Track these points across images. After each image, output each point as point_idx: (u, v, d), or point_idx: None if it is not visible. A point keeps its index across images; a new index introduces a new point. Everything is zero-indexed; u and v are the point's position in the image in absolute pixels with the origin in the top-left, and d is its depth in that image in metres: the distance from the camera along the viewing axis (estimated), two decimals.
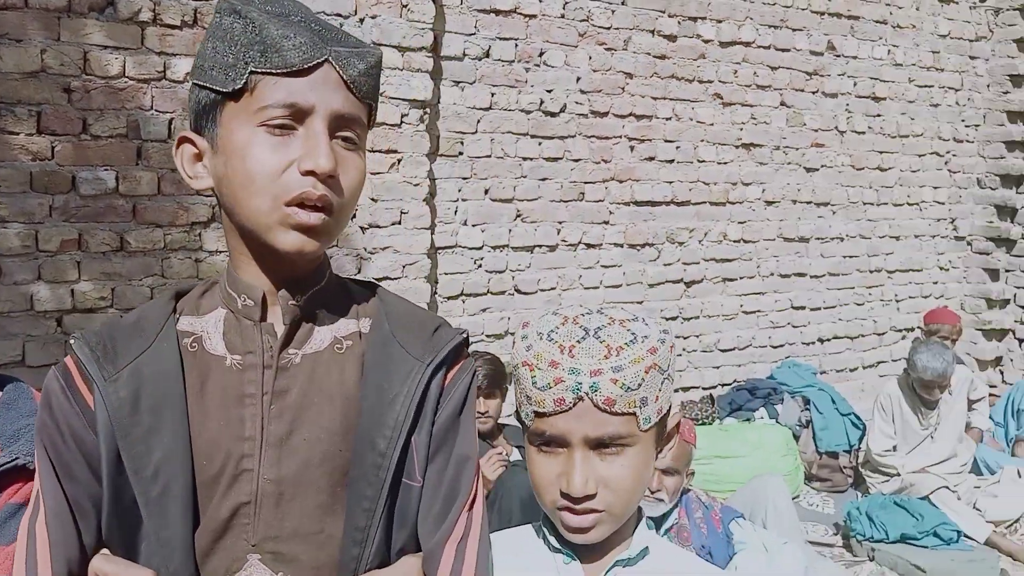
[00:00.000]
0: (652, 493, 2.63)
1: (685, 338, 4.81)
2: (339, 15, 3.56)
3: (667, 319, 4.72)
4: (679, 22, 4.49)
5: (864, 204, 5.42)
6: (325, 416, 0.97)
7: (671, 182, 4.62)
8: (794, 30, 4.91)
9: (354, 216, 3.63)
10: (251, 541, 0.96)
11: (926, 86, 5.55)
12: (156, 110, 3.26)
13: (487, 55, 3.99)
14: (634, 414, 1.01)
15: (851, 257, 5.42)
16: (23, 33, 3.00)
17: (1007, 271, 5.89)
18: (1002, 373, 5.97)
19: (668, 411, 1.08)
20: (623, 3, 4.31)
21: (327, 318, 1.01)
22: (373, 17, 3.57)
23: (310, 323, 1.00)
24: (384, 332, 1.01)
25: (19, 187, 3.07)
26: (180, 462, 0.93)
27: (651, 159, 4.54)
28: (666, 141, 4.57)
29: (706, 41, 4.61)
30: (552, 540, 1.09)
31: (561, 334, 1.03)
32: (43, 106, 3.07)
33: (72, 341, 0.96)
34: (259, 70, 0.90)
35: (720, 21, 4.63)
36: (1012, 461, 4.62)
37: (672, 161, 4.61)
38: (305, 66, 0.90)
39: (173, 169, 3.29)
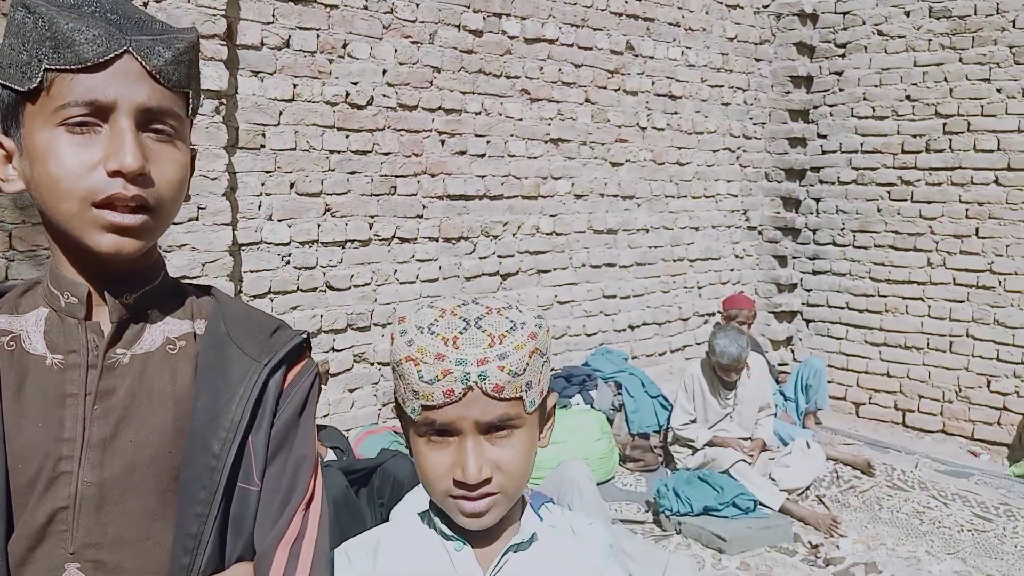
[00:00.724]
0: None
1: None
2: None
3: None
4: (484, 18, 4.54)
5: (666, 197, 5.71)
6: (155, 417, 0.94)
7: (483, 176, 4.66)
8: (595, 29, 5.09)
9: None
10: (69, 549, 0.91)
11: (717, 86, 5.92)
12: None
13: (287, 45, 3.85)
14: (520, 398, 1.02)
15: (656, 247, 5.69)
16: None
17: (794, 258, 6.40)
18: (792, 352, 6.48)
19: (548, 392, 1.10)
20: None
21: (159, 318, 0.99)
22: (158, 1, 3.36)
23: (141, 322, 0.97)
24: (220, 333, 0.99)
25: None
26: None
27: (462, 153, 4.56)
28: (476, 135, 4.60)
29: (511, 37, 4.69)
30: (444, 528, 1.08)
31: (442, 326, 1.02)
32: None
33: None
34: (53, 67, 0.86)
35: (524, 18, 4.72)
36: (802, 433, 5.02)
37: (483, 156, 4.65)
38: (101, 59, 0.86)
39: None
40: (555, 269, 5.11)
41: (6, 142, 0.93)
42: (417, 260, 4.46)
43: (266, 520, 0.96)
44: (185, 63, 0.92)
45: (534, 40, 4.79)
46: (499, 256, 4.81)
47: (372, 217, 4.25)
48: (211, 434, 0.94)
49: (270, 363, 0.98)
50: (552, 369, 4.98)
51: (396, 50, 4.22)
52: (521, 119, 4.79)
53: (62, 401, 0.92)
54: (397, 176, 4.32)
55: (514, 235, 4.87)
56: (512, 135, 4.77)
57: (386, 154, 4.26)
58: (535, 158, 4.90)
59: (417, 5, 4.26)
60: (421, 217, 4.44)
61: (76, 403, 0.92)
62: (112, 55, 0.87)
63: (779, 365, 6.21)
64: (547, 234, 5.03)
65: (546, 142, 4.94)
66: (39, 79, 0.86)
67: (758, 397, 4.73)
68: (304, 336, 1.03)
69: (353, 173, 4.15)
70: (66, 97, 0.86)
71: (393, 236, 4.34)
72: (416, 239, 4.44)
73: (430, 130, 4.42)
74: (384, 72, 4.19)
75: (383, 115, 4.22)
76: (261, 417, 0.97)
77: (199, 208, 3.54)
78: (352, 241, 4.19)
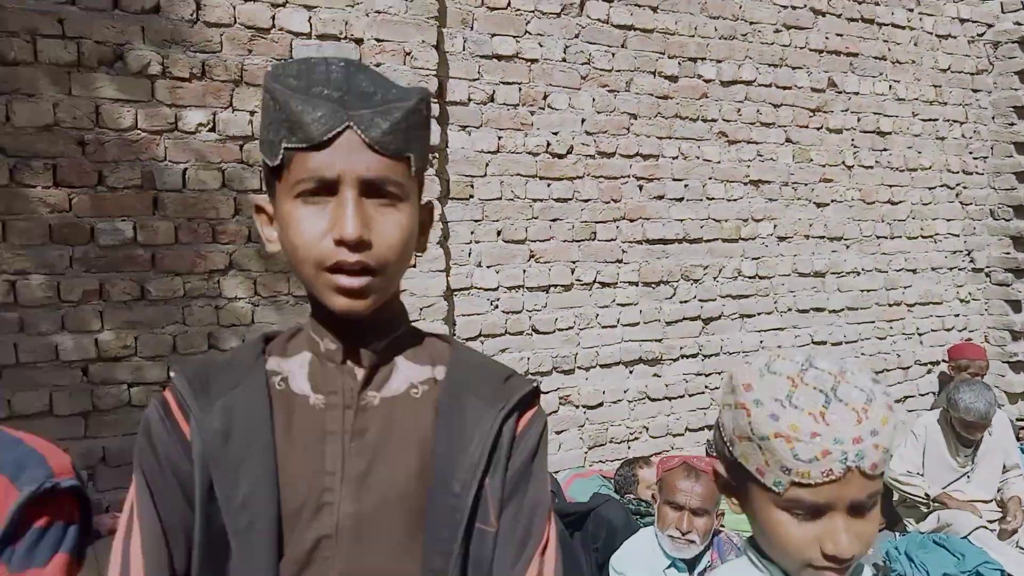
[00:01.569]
0: (683, 535, 2.56)
1: (707, 375, 4.75)
2: None
3: (686, 356, 4.67)
4: (679, 63, 4.58)
5: (878, 238, 5.40)
6: (402, 457, 1.01)
7: (682, 220, 4.64)
8: (794, 68, 4.99)
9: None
10: (333, 575, 0.98)
11: (931, 120, 5.59)
12: (170, 161, 3.33)
13: (492, 99, 4.06)
14: (883, 473, 1.05)
15: (869, 291, 5.37)
16: (34, 88, 3.09)
17: None
18: None
19: None
20: (623, 46, 4.40)
21: (404, 364, 1.06)
22: (378, 65, 3.66)
23: (388, 368, 1.05)
24: (457, 379, 1.05)
25: (39, 239, 3.12)
26: (266, 494, 0.97)
27: (660, 197, 4.56)
28: (674, 179, 4.60)
29: (707, 81, 4.69)
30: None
31: (802, 400, 1.04)
32: (58, 159, 3.14)
33: (172, 374, 1.03)
34: (290, 146, 0.94)
35: (720, 61, 4.71)
36: None
37: (682, 199, 4.63)
38: (325, 138, 0.93)
39: (190, 218, 3.36)
40: (759, 313, 4.94)
41: (268, 207, 1.04)
42: (618, 304, 4.47)
43: (503, 562, 1.00)
44: (402, 130, 0.96)
45: (730, 82, 4.76)
46: (700, 300, 4.73)
47: (574, 262, 4.33)
48: (452, 476, 0.99)
49: (504, 409, 1.03)
50: None
51: (594, 99, 4.33)
52: (719, 162, 4.75)
53: (324, 438, 1.00)
54: (597, 222, 4.38)
55: (715, 279, 4.77)
56: (710, 178, 4.72)
57: (586, 201, 4.35)
58: (735, 200, 4.82)
59: (613, 55, 4.37)
60: (621, 262, 4.47)
61: (336, 440, 1.00)
62: (335, 132, 0.93)
63: (1016, 420, 5.59)
64: (750, 277, 4.89)
65: (745, 184, 4.85)
66: (281, 157, 0.96)
67: (1001, 455, 4.27)
68: (535, 384, 1.08)
69: (555, 220, 4.26)
70: (300, 174, 0.94)
71: (594, 281, 4.39)
72: (616, 283, 4.46)
73: (628, 176, 4.47)
74: (583, 121, 4.31)
75: (582, 163, 4.32)
76: (497, 461, 1.01)
77: (416, 256, 3.76)
78: (555, 286, 4.28)
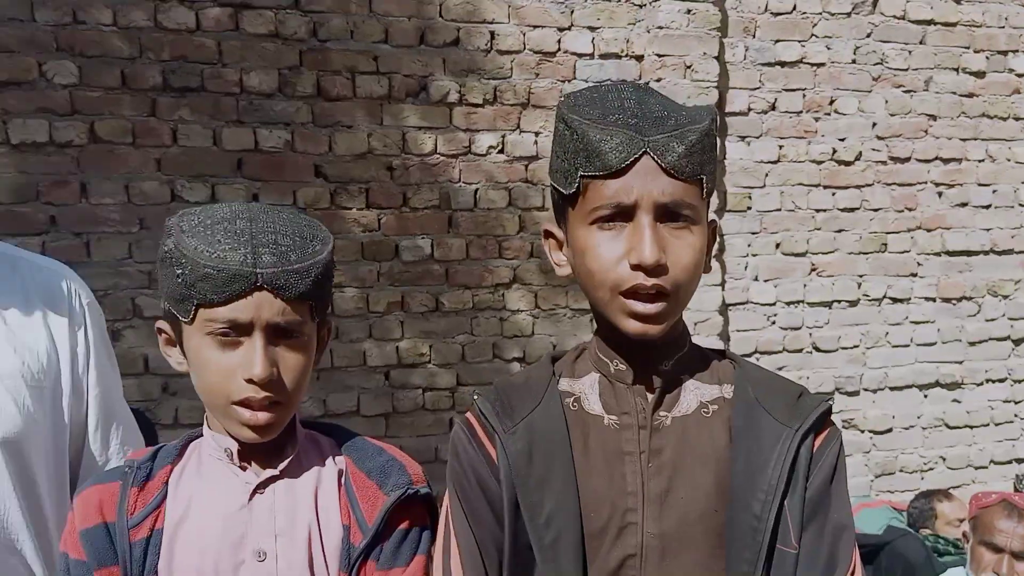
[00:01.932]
0: None
1: (1017, 402, 4.25)
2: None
3: (992, 381, 4.21)
4: (987, 57, 4.14)
5: None
6: (699, 476, 1.01)
7: (989, 229, 4.19)
8: None
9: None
10: None
11: None
12: (463, 182, 3.55)
13: (773, 108, 3.92)
14: None
15: None
16: (352, 120, 3.43)
17: None
18: None
19: None
20: (921, 42, 4.06)
21: (692, 383, 1.07)
22: (658, 80, 3.66)
23: (676, 387, 1.06)
24: (748, 398, 1.05)
25: (352, 255, 3.46)
26: (571, 512, 1.00)
27: (964, 205, 4.15)
28: (980, 185, 4.17)
29: (1020, 75, 4.20)
30: None
31: None
32: (370, 183, 3.46)
33: (476, 398, 1.10)
34: (587, 174, 0.97)
35: None
36: None
37: (989, 206, 4.19)
38: (623, 165, 0.95)
39: (479, 235, 3.56)
40: None
41: (558, 232, 1.07)
42: (911, 322, 4.12)
43: None
44: (697, 152, 0.97)
45: None
46: (1010, 319, 4.24)
47: (861, 276, 4.05)
48: (751, 496, 0.98)
49: (801, 428, 1.01)
50: None
51: (887, 101, 4.03)
52: None
53: (621, 458, 1.02)
54: (888, 232, 4.08)
55: None
56: (1023, 182, 4.22)
57: (875, 210, 4.06)
58: None
59: (910, 52, 4.05)
60: (915, 275, 4.12)
61: (634, 460, 1.01)
62: (632, 159, 0.95)
63: None
64: None
65: None
66: (576, 185, 0.99)
67: None
68: (830, 402, 1.06)
69: (840, 231, 4.02)
70: (597, 200, 0.97)
71: (884, 296, 4.09)
72: (910, 299, 4.12)
73: (925, 182, 4.11)
74: (874, 125, 4.03)
75: (872, 170, 4.04)
76: (795, 481, 1.00)
77: None
78: (839, 301, 4.04)
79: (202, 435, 1.16)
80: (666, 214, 0.97)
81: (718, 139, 3.76)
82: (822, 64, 3.95)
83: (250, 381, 1.04)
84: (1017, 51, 4.19)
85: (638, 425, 1.02)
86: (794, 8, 3.89)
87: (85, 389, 1.35)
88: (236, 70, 3.31)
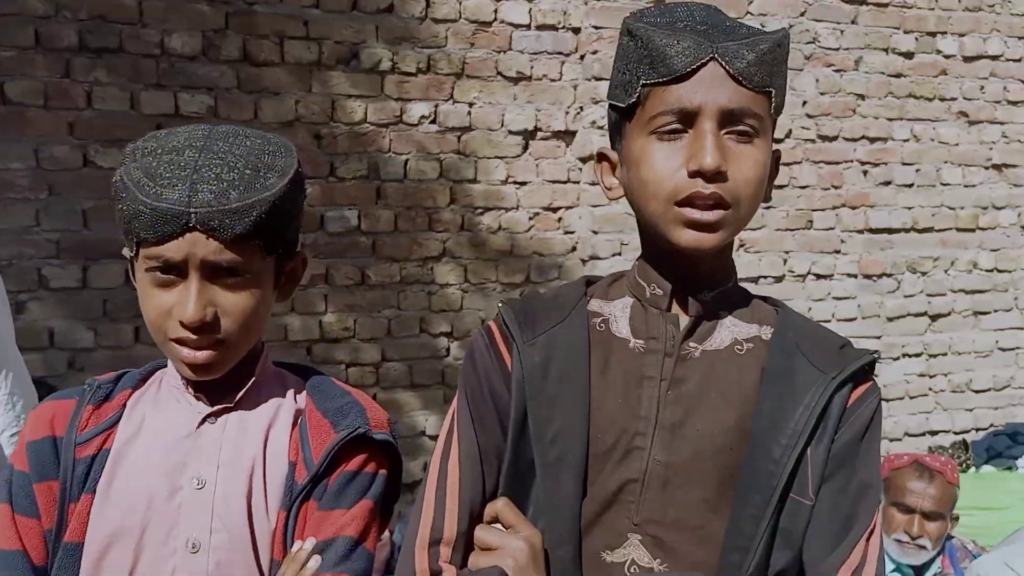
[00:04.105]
0: (913, 540, 2.42)
1: (932, 376, 4.41)
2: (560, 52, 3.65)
3: (909, 356, 4.35)
4: (916, 38, 4.21)
5: None
6: (720, 412, 0.97)
7: (911, 208, 4.29)
8: None
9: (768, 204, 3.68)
10: (633, 519, 0.98)
11: None
12: (394, 152, 3.48)
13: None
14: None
15: None
16: (279, 86, 3.32)
17: None
18: None
19: None
20: (853, 22, 4.10)
21: (729, 319, 1.03)
22: (594, 53, 3.64)
23: (713, 321, 1.02)
24: (788, 341, 1.01)
25: None
26: (578, 432, 0.98)
27: (887, 183, 4.25)
28: (904, 164, 4.26)
29: (947, 56, 4.28)
30: None
31: None
32: (297, 152, 3.36)
33: (500, 306, 1.07)
34: (649, 82, 0.94)
35: (962, 35, 4.28)
36: None
37: (912, 185, 4.29)
38: (688, 69, 0.92)
39: (409, 207, 3.51)
40: (996, 311, 4.50)
41: (612, 155, 1.04)
42: (833, 298, 4.23)
43: (820, 539, 0.95)
44: (768, 63, 0.94)
45: (974, 58, 4.32)
46: (928, 295, 4.38)
47: (787, 252, 4.13)
48: (772, 439, 0.95)
49: (839, 377, 0.97)
50: (993, 426, 4.41)
51: (817, 80, 4.08)
52: (957, 144, 4.34)
53: (640, 382, 0.99)
54: (814, 210, 4.15)
55: (946, 272, 4.39)
56: (946, 162, 4.33)
57: (803, 187, 4.12)
58: (973, 186, 4.39)
59: (842, 32, 4.09)
60: (839, 252, 4.21)
61: (652, 385, 0.99)
62: (699, 63, 0.91)
63: None
64: (987, 271, 4.46)
65: (987, 168, 4.40)
66: (636, 95, 0.95)
67: None
68: (874, 356, 1.01)
69: (768, 208, 4.07)
70: (658, 107, 0.93)
71: (808, 272, 4.17)
72: (833, 275, 4.21)
73: (851, 160, 4.19)
74: (804, 103, 4.07)
75: (801, 148, 4.09)
76: (823, 431, 0.96)
77: (622, 244, 3.73)
78: (766, 277, 4.11)
79: (166, 365, 1.16)
80: (730, 121, 0.93)
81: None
82: None
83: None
84: (946, 33, 4.26)
85: (664, 352, 0.99)
86: None
87: None
88: (157, 31, 3.17)
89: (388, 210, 3.50)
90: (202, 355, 1.04)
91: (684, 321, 1.01)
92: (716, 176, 0.91)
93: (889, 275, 4.30)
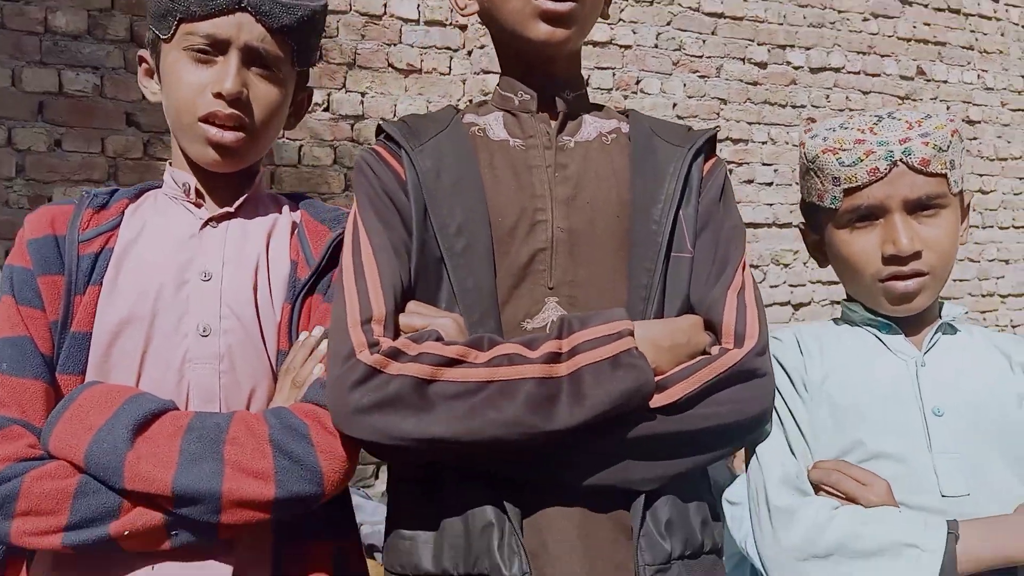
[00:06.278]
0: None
1: None
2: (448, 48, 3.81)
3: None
4: (769, 50, 4.63)
5: (969, 227, 5.32)
6: (602, 188, 1.10)
7: (771, 204, 4.67)
8: (882, 56, 4.99)
9: None
10: (548, 284, 1.06)
11: (1019, 109, 5.51)
12: (287, 138, 3.51)
13: (587, 84, 4.16)
14: (945, 175, 1.07)
15: (960, 281, 5.29)
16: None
17: None
18: None
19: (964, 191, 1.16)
20: (713, 33, 4.48)
21: (590, 117, 1.17)
22: (481, 47, 3.81)
23: (577, 120, 1.15)
24: (644, 129, 1.16)
25: None
26: (480, 219, 1.06)
27: (750, 182, 4.61)
28: (764, 164, 4.64)
29: (796, 68, 4.73)
30: (869, 316, 1.14)
31: (856, 123, 1.13)
32: None
33: (381, 122, 1.15)
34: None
35: (808, 48, 4.75)
36: None
37: (771, 184, 4.67)
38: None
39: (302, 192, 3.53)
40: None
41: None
42: None
43: (702, 278, 1.08)
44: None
45: (819, 69, 4.79)
46: (790, 285, 4.74)
47: None
48: (651, 204, 1.08)
49: (693, 147, 1.12)
50: None
51: (684, 84, 4.41)
52: None
53: (529, 171, 1.10)
54: None
55: (805, 264, 4.77)
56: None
57: None
58: None
59: (704, 41, 4.45)
60: None
61: (540, 171, 1.10)
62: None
63: None
64: None
65: None
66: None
67: None
68: (716, 129, 1.18)
69: None
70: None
71: None
72: None
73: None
74: (674, 105, 4.39)
75: None
76: (688, 194, 1.11)
77: None
78: None
79: (159, 186, 1.17)
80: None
81: None
82: (629, 47, 4.26)
83: (219, 96, 1.07)
84: (794, 46, 4.72)
85: (543, 146, 1.10)
86: None
87: None
88: (41, 8, 3.11)
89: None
90: (229, 135, 1.09)
91: (553, 120, 1.13)
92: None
93: (756, 266, 4.63)
